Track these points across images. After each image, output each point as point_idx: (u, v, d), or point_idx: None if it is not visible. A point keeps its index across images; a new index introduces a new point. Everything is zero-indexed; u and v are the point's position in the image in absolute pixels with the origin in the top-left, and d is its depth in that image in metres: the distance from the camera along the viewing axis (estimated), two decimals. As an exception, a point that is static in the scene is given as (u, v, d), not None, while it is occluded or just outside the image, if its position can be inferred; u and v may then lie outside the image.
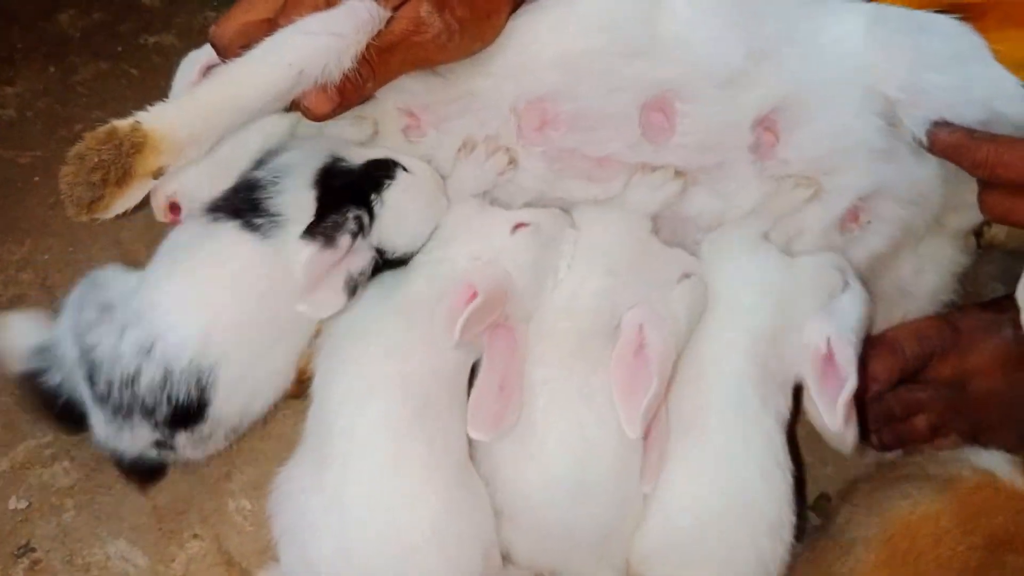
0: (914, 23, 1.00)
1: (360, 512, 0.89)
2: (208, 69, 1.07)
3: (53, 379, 0.98)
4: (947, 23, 1.00)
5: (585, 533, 0.94)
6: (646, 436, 0.92)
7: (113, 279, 0.98)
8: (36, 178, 1.29)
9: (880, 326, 1.09)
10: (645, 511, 0.95)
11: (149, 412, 0.92)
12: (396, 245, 0.97)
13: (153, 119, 0.79)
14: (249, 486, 1.07)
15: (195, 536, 1.03)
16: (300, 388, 1.04)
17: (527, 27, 0.98)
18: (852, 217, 1.03)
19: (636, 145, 1.00)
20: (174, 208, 1.02)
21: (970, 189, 0.96)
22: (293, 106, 0.87)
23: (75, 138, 0.77)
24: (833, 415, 0.91)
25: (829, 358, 0.95)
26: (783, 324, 0.99)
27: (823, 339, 0.95)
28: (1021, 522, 0.92)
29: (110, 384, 0.92)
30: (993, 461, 0.98)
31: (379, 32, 0.86)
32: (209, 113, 0.82)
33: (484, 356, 0.95)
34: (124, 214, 0.81)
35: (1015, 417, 1.04)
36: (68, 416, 0.99)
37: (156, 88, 1.14)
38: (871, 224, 1.03)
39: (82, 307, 0.96)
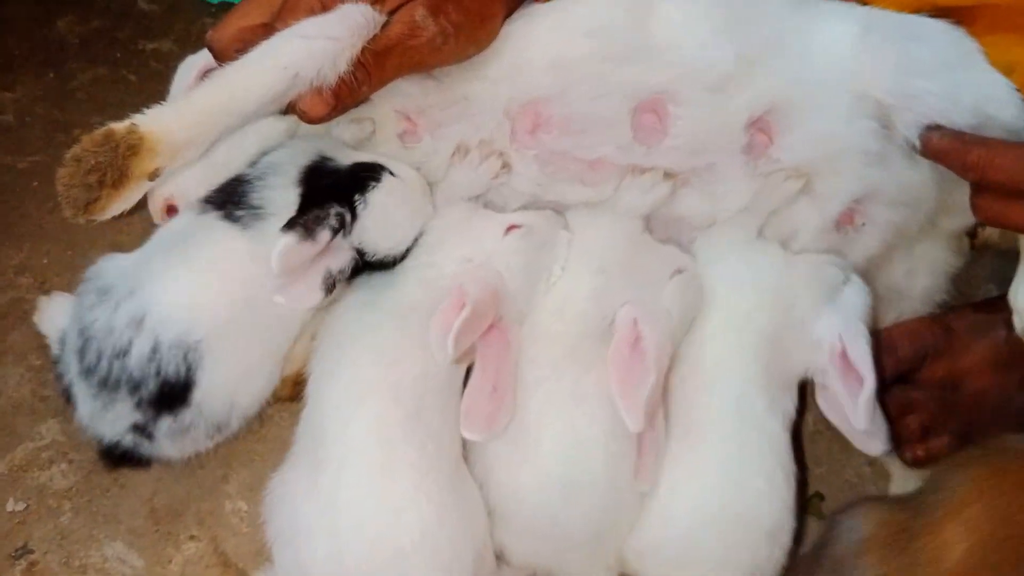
0: (904, 29, 1.00)
1: (352, 516, 0.89)
2: (206, 73, 1.07)
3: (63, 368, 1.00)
4: (938, 29, 1.00)
5: (578, 533, 0.94)
6: (640, 436, 0.93)
7: (109, 264, 0.99)
8: (35, 183, 1.30)
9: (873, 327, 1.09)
10: (643, 509, 0.96)
11: (135, 387, 0.93)
12: (377, 247, 0.97)
13: (149, 121, 0.80)
14: (245, 488, 1.07)
15: (192, 538, 1.04)
16: (295, 391, 1.05)
17: (521, 32, 0.98)
18: (846, 219, 1.04)
19: (628, 148, 1.00)
20: (171, 210, 1.04)
21: (963, 191, 0.96)
22: (289, 109, 0.87)
23: (73, 143, 0.77)
24: (858, 415, 0.92)
25: (844, 355, 0.95)
26: (785, 322, 0.99)
27: (836, 336, 0.96)
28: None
29: (99, 355, 0.94)
30: None
31: (374, 36, 0.86)
32: (205, 115, 0.82)
33: (477, 358, 0.95)
34: (121, 216, 0.81)
35: (1008, 417, 1.04)
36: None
37: (155, 94, 1.13)
38: (865, 226, 1.04)
39: (83, 296, 0.98)
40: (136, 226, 1.09)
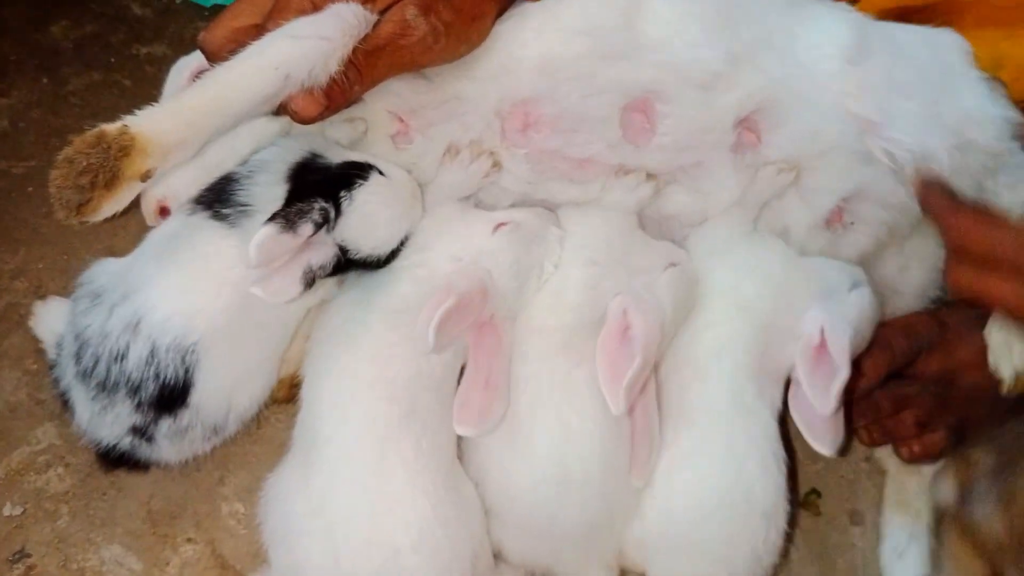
0: (893, 46, 1.01)
1: (347, 516, 0.90)
2: (198, 75, 1.07)
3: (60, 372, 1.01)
4: (926, 45, 1.02)
5: (573, 529, 0.94)
6: (633, 428, 0.94)
7: (100, 269, 1.00)
8: (29, 188, 1.30)
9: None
10: (639, 502, 0.96)
11: (135, 390, 0.94)
12: (360, 246, 0.97)
13: (141, 122, 0.80)
14: (242, 490, 1.07)
15: (189, 540, 1.04)
16: (292, 393, 1.05)
17: (511, 31, 0.99)
18: (836, 217, 1.05)
19: (617, 146, 1.01)
20: (164, 211, 1.04)
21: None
22: (281, 109, 0.87)
23: (67, 147, 0.77)
24: (824, 402, 0.91)
25: (822, 347, 0.95)
26: (781, 314, 1.00)
27: (817, 328, 0.96)
28: None
29: (96, 359, 0.94)
30: None
31: (365, 35, 0.86)
32: (196, 116, 0.82)
33: (470, 354, 0.96)
34: (115, 219, 0.81)
35: (1002, 411, 1.04)
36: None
37: (148, 98, 1.13)
38: (854, 225, 1.05)
39: (77, 301, 0.98)
40: (131, 229, 1.10)
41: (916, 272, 1.13)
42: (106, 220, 0.81)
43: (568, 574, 0.98)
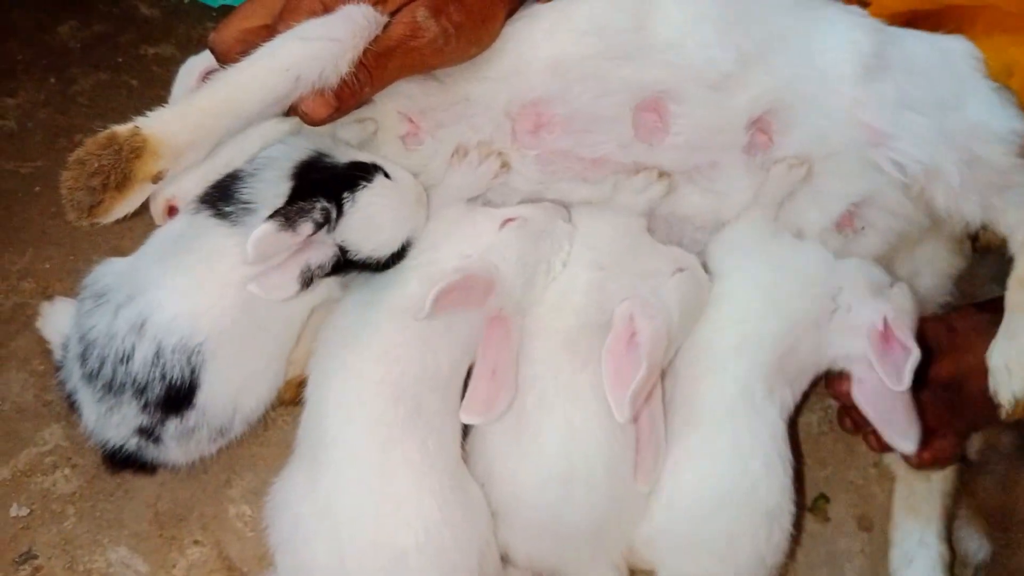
0: (908, 59, 1.00)
1: (352, 517, 0.89)
2: (207, 75, 1.08)
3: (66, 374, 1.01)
4: (941, 58, 1.01)
5: (579, 529, 0.94)
6: (638, 434, 0.94)
7: (104, 269, 0.99)
8: (37, 188, 1.30)
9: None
10: (645, 504, 0.96)
11: (141, 391, 0.93)
12: (360, 247, 0.96)
13: (152, 124, 0.80)
14: (249, 492, 1.07)
15: (196, 542, 1.03)
16: (299, 394, 1.04)
17: (522, 32, 0.99)
18: (847, 221, 1.05)
19: (630, 146, 1.01)
20: (172, 211, 1.04)
21: (969, 202, 0.99)
22: (291, 110, 0.87)
23: (75, 148, 0.77)
24: (899, 381, 0.93)
25: (887, 335, 0.96)
26: (823, 311, 1.00)
27: (880, 317, 0.97)
28: None
29: (103, 361, 0.94)
30: None
31: (376, 37, 0.86)
32: (207, 118, 0.82)
33: (479, 347, 0.96)
34: (123, 220, 0.81)
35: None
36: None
37: (156, 98, 1.13)
38: (864, 230, 1.05)
39: (82, 302, 0.98)
40: (138, 230, 1.09)
41: (926, 277, 1.13)
42: (115, 221, 0.81)
43: (574, 575, 0.97)
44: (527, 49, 0.99)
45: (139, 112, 0.81)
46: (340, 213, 0.93)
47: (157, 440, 0.97)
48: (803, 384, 1.02)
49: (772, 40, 0.99)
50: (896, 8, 1.09)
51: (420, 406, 0.93)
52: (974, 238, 1.19)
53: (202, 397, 0.95)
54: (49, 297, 1.15)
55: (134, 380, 0.93)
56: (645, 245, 1.05)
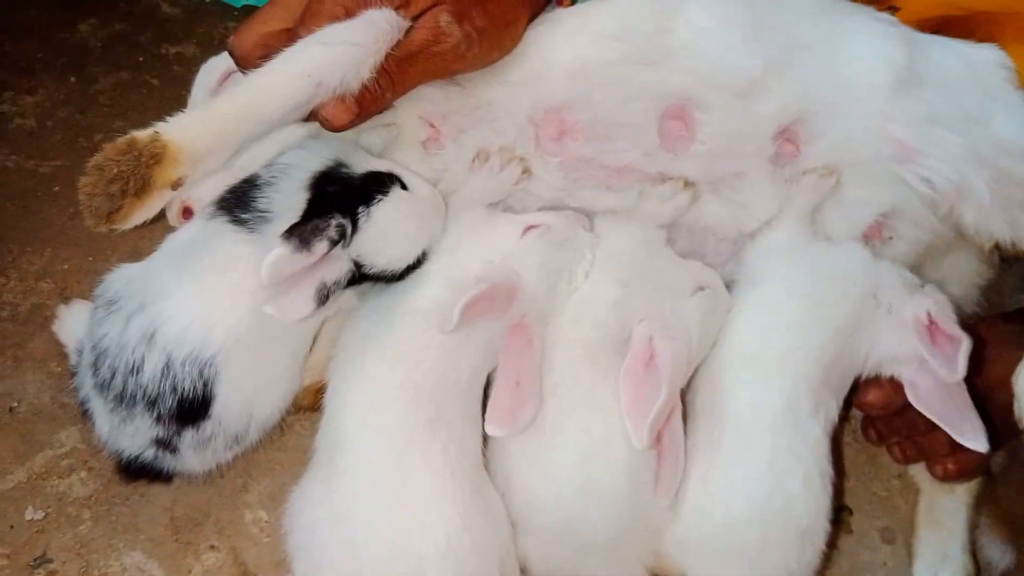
0: (937, 69, 0.99)
1: (371, 524, 0.88)
2: (227, 77, 1.08)
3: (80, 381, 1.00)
4: (971, 72, 0.99)
5: (598, 540, 0.93)
6: (660, 448, 0.92)
7: (116, 276, 0.98)
8: (56, 188, 1.29)
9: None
10: (665, 516, 0.95)
11: (152, 403, 0.92)
12: (375, 261, 0.95)
13: (172, 130, 0.78)
14: (266, 497, 1.06)
15: (212, 547, 1.03)
16: (317, 400, 1.03)
17: (545, 36, 0.98)
18: (874, 232, 1.03)
19: (654, 154, 0.99)
20: (187, 212, 1.03)
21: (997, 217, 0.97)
22: (311, 116, 0.86)
23: (95, 148, 0.76)
24: (953, 370, 0.92)
25: (932, 328, 0.95)
26: (866, 314, 0.99)
27: (924, 311, 0.96)
28: None
29: (114, 371, 0.93)
30: None
31: (398, 42, 0.86)
32: (228, 124, 0.81)
33: (501, 355, 0.95)
34: (143, 224, 0.80)
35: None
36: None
37: (177, 98, 1.13)
38: (892, 240, 1.03)
39: (95, 310, 0.97)
40: (157, 232, 1.09)
41: (953, 286, 1.11)
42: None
43: (594, 586, 0.96)
44: (549, 53, 0.98)
45: (160, 111, 0.81)
46: (355, 228, 0.92)
47: (174, 450, 0.96)
48: (845, 393, 1.01)
49: (800, 47, 0.97)
50: (925, 14, 1.08)
51: (440, 412, 0.92)
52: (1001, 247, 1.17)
53: (217, 407, 0.94)
54: (67, 298, 1.15)
55: (145, 392, 0.92)
56: (666, 259, 1.03)
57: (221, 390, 0.94)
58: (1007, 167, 0.95)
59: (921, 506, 1.12)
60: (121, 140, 0.76)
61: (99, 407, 0.96)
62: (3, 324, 1.17)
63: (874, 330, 0.99)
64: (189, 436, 0.95)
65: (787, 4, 0.99)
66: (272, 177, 0.98)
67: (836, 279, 1.00)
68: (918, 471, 1.12)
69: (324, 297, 0.90)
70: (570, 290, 1.00)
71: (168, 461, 0.98)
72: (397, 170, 0.98)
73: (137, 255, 1.03)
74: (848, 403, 1.03)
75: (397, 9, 0.85)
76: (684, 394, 0.98)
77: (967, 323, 1.08)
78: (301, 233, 0.86)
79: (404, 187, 0.96)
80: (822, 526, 0.95)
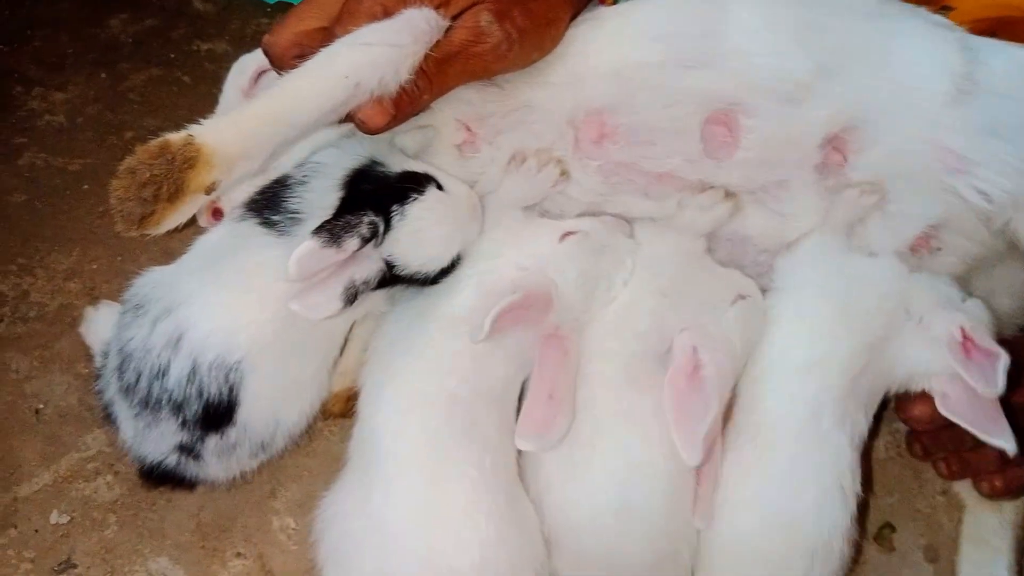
0: (993, 75, 0.95)
1: (405, 535, 0.87)
2: (260, 74, 1.06)
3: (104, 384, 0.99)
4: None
5: (635, 562, 0.91)
6: (699, 467, 0.89)
7: (144, 279, 0.97)
8: (85, 186, 1.28)
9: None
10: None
11: (177, 408, 0.91)
12: (408, 262, 0.93)
13: (207, 133, 0.77)
14: (294, 504, 1.05)
15: (238, 555, 1.01)
16: (348, 407, 1.03)
17: (587, 36, 0.96)
18: (922, 243, 1.00)
19: (697, 161, 0.97)
20: (216, 213, 1.02)
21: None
22: (347, 118, 0.84)
23: (125, 145, 0.75)
24: (992, 384, 0.88)
25: (967, 345, 0.92)
26: (898, 327, 0.96)
27: (957, 327, 0.93)
28: None
29: (139, 375, 0.92)
30: None
31: (437, 42, 0.83)
32: (263, 127, 0.79)
33: (535, 366, 0.92)
34: (175, 229, 0.79)
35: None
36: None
37: (208, 95, 1.12)
38: (940, 251, 1.00)
39: (123, 313, 0.96)
40: (188, 232, 1.07)
41: (1003, 298, 1.08)
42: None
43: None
44: (591, 54, 0.95)
45: (191, 109, 0.79)
46: (388, 227, 0.90)
47: (197, 457, 0.95)
48: (874, 407, 0.98)
49: (852, 51, 0.94)
50: (980, 14, 1.05)
51: (476, 421, 0.90)
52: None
53: (243, 413, 0.93)
54: (95, 299, 1.14)
55: (170, 397, 0.91)
56: (706, 268, 1.01)
57: (247, 396, 0.92)
58: None
59: (966, 524, 1.09)
60: (154, 143, 0.75)
61: (123, 411, 0.95)
62: (30, 324, 1.15)
63: (905, 344, 0.96)
64: (213, 442, 0.94)
65: (839, 5, 0.96)
66: (304, 176, 0.96)
67: (869, 292, 0.98)
68: (963, 488, 1.09)
69: (352, 297, 0.89)
70: (608, 299, 0.98)
71: (191, 468, 0.97)
72: (433, 171, 0.96)
73: (168, 255, 1.02)
74: (879, 415, 1.01)
75: (437, 8, 0.83)
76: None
77: (1004, 339, 1.06)
78: (332, 228, 0.85)
79: (440, 188, 0.94)
80: (836, 547, 0.92)
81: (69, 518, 1.02)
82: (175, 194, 0.74)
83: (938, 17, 0.98)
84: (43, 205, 1.26)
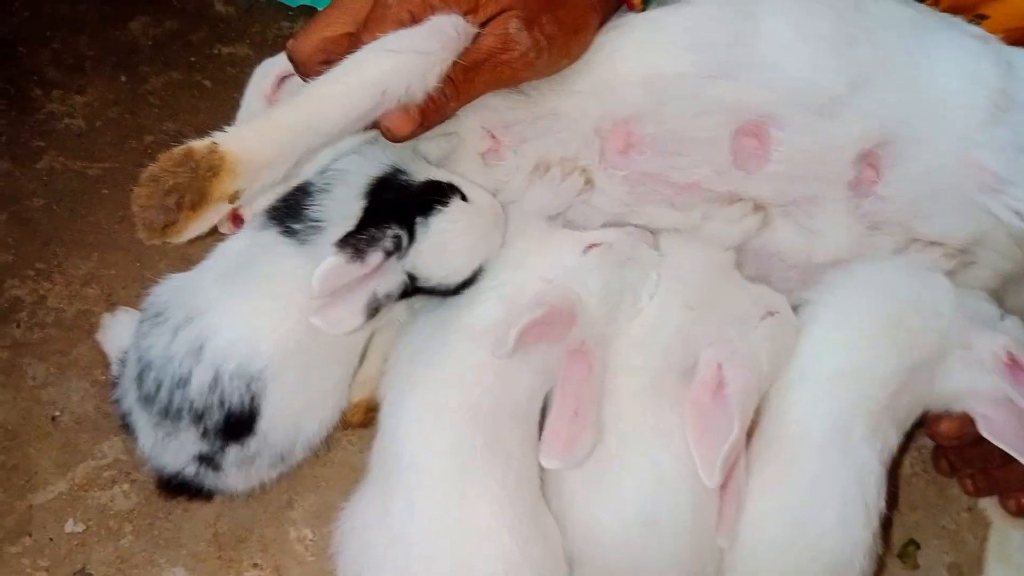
0: None
1: (427, 549, 0.86)
2: (283, 79, 1.05)
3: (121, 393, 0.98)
4: None
5: None
6: (724, 484, 0.88)
7: (164, 287, 0.96)
8: (104, 190, 1.27)
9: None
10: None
11: (198, 417, 0.90)
12: (431, 274, 0.92)
13: (231, 140, 0.76)
14: (311, 515, 1.04)
15: (255, 565, 1.01)
16: (368, 417, 1.02)
17: (614, 44, 0.94)
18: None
19: (726, 172, 0.95)
20: (237, 219, 1.00)
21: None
22: (372, 126, 0.83)
23: (145, 150, 0.74)
24: None
25: (1013, 364, 0.91)
26: (942, 346, 0.94)
27: (1001, 346, 0.92)
28: None
29: (159, 384, 0.91)
30: None
31: (465, 49, 0.82)
32: (288, 135, 0.78)
33: (559, 381, 0.91)
34: (197, 237, 0.78)
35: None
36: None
37: (229, 100, 1.11)
38: (975, 265, 0.99)
39: (142, 322, 0.95)
40: (207, 239, 1.07)
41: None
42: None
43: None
44: (619, 62, 0.94)
45: (212, 113, 0.78)
46: (412, 239, 0.89)
47: (217, 467, 0.94)
48: (909, 424, 0.97)
49: (886, 65, 0.93)
50: (1014, 24, 1.03)
51: (499, 435, 0.89)
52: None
53: (264, 423, 0.92)
54: (113, 305, 1.13)
55: (192, 406, 0.90)
56: (735, 283, 0.99)
57: (268, 405, 0.91)
58: None
59: (991, 541, 1.08)
60: (177, 150, 0.74)
61: (142, 421, 0.94)
62: (48, 330, 1.14)
63: (947, 365, 0.94)
64: (233, 453, 0.93)
65: (874, 17, 0.95)
66: (326, 184, 0.95)
67: (922, 309, 0.96)
68: (989, 505, 1.08)
69: (374, 310, 0.88)
70: (634, 312, 0.96)
71: (210, 478, 0.96)
72: (456, 180, 0.95)
73: (186, 261, 1.01)
74: (911, 432, 1.00)
75: (465, 14, 0.82)
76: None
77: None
78: (356, 243, 0.84)
79: (464, 198, 0.93)
80: (859, 564, 0.90)
81: (84, 527, 1.01)
82: (198, 202, 0.74)
83: (975, 29, 0.97)
84: (61, 209, 1.25)
